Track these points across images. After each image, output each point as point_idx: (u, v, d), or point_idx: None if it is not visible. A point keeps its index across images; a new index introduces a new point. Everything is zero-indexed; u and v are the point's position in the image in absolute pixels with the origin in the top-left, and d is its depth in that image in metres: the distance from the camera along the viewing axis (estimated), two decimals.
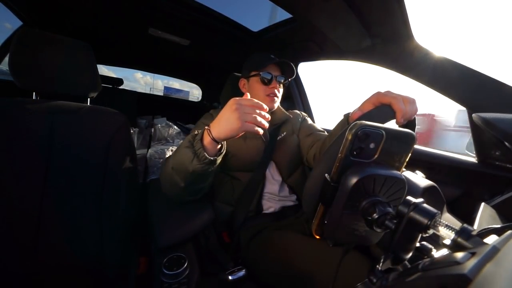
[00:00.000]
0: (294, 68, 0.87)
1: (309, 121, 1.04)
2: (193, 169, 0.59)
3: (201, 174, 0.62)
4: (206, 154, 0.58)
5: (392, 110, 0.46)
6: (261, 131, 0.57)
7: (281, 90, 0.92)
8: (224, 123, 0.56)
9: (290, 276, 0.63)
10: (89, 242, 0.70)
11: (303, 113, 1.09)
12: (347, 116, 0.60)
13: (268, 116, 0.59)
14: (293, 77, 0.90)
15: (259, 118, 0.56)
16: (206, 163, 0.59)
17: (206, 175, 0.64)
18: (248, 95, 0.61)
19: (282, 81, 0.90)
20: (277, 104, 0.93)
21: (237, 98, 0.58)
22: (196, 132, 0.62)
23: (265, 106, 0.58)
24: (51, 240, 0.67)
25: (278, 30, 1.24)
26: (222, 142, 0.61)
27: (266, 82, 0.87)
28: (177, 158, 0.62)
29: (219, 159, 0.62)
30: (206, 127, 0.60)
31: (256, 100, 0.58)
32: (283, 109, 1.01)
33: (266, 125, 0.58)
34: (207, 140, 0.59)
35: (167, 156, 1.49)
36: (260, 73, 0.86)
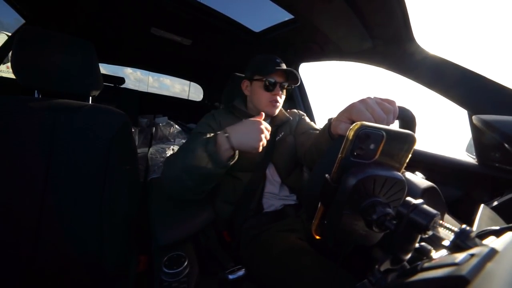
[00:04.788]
0: (299, 77, 0.84)
1: (306, 119, 1.04)
2: (206, 171, 0.63)
3: (212, 177, 0.66)
4: (222, 159, 0.63)
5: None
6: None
7: (283, 96, 0.91)
8: (247, 139, 0.64)
9: (287, 280, 0.63)
10: (89, 240, 0.71)
11: (300, 112, 1.08)
12: (330, 121, 0.56)
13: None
14: (297, 84, 0.87)
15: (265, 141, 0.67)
16: (220, 167, 0.63)
17: (216, 177, 0.68)
18: (263, 115, 0.72)
19: (286, 86, 0.88)
20: (278, 109, 0.92)
21: (263, 122, 0.67)
22: (208, 135, 0.67)
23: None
24: (51, 237, 0.67)
25: (280, 30, 1.24)
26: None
27: (270, 89, 0.85)
28: (189, 159, 0.64)
29: (231, 163, 0.67)
30: (225, 134, 0.64)
31: (270, 128, 0.69)
32: (283, 111, 1.00)
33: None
34: (225, 146, 0.64)
35: (168, 155, 1.50)
36: (264, 79, 0.84)
